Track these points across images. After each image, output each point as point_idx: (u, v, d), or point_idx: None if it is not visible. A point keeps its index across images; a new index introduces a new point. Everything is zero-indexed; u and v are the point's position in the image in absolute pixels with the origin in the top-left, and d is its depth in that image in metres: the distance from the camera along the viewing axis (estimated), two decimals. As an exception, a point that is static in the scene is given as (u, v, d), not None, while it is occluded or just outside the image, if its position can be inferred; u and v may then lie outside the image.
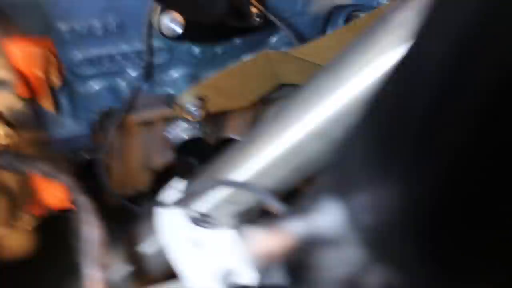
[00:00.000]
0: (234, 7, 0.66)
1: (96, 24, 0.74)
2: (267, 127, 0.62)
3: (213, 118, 0.91)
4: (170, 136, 1.02)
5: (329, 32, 0.98)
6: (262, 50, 0.91)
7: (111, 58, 0.78)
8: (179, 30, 0.74)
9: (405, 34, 0.47)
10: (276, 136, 0.58)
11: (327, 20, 0.94)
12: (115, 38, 0.76)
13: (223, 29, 0.77)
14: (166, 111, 0.87)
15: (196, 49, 0.83)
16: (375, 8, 0.89)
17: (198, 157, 0.99)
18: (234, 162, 0.66)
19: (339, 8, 0.93)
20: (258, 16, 0.81)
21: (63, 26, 0.72)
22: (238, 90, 0.86)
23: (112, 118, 0.83)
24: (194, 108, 0.82)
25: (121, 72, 0.81)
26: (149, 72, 0.82)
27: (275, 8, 0.85)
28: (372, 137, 0.33)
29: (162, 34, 0.75)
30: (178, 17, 0.72)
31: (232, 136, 1.14)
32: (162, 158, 1.06)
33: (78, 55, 0.77)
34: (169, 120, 0.96)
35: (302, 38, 0.92)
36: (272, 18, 0.81)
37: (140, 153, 1.03)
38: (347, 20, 0.95)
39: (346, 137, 0.39)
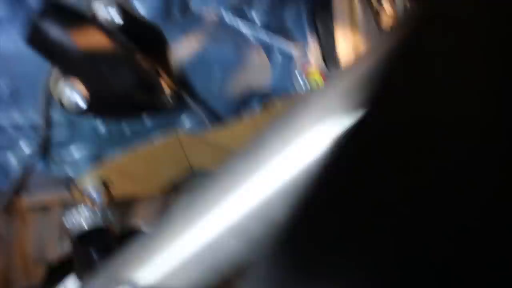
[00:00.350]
0: (143, 81, 0.61)
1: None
2: (177, 219, 0.55)
3: (119, 205, 0.83)
4: (67, 223, 0.91)
5: (245, 115, 0.95)
6: (174, 131, 0.86)
7: (1, 129, 0.70)
8: (82, 104, 0.68)
9: (327, 116, 0.44)
10: (187, 230, 0.51)
11: (243, 103, 0.91)
12: (7, 107, 0.68)
13: (132, 105, 0.71)
14: (63, 195, 0.78)
15: (101, 126, 0.76)
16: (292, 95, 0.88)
17: (99, 250, 0.88)
18: (139, 259, 0.57)
19: (255, 92, 0.91)
20: (170, 94, 0.77)
21: None
22: (146, 174, 0.79)
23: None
24: (95, 194, 0.74)
25: (12, 147, 0.71)
26: (45, 149, 0.73)
27: (190, 87, 0.82)
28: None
29: (63, 106, 0.68)
30: (82, 88, 0.66)
31: (140, 225, 1.05)
32: (57, 249, 0.95)
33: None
34: (67, 206, 0.86)
35: (217, 120, 0.89)
36: (185, 97, 0.77)
37: (31, 243, 0.92)
38: (264, 104, 0.94)
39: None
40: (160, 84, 0.71)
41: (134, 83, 0.60)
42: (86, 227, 0.91)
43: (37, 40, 0.50)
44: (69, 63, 0.55)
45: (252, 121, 0.78)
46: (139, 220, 1.06)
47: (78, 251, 0.89)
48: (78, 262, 0.89)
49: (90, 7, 0.66)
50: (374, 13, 1.10)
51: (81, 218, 0.90)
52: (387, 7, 1.53)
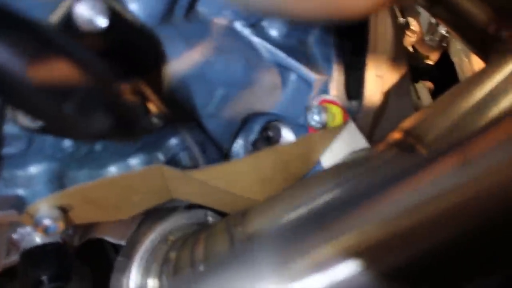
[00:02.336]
0: (120, 119, 0.47)
1: None
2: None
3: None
4: (17, 237, 0.78)
5: (241, 138, 0.82)
6: (155, 151, 0.72)
7: None
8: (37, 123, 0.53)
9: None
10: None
11: (242, 125, 0.78)
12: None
13: (104, 136, 0.56)
14: (12, 217, 0.63)
15: (66, 141, 0.62)
16: (300, 126, 0.74)
17: (52, 267, 0.75)
18: None
19: (257, 115, 0.77)
20: (157, 116, 0.62)
21: None
22: (116, 203, 0.65)
23: None
24: (49, 222, 0.60)
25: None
26: (-6, 164, 0.59)
27: (182, 108, 0.67)
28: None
29: (18, 123, 0.53)
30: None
31: (102, 237, 0.92)
32: (3, 260, 0.82)
33: None
34: (16, 224, 0.72)
35: (210, 142, 0.75)
36: (174, 120, 0.63)
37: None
38: (264, 129, 0.80)
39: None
40: (143, 110, 0.56)
41: (107, 124, 0.45)
42: (38, 242, 0.78)
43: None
44: (21, 101, 0.40)
45: (249, 163, 0.64)
46: (103, 231, 0.92)
47: (25, 269, 0.76)
48: (23, 281, 0.76)
49: (63, 8, 0.50)
50: (399, 30, 0.96)
51: (33, 233, 0.77)
52: (412, 22, 1.40)
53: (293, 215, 0.58)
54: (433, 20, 1.45)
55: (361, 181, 0.40)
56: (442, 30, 1.46)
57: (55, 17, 0.53)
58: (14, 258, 0.81)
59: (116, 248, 0.97)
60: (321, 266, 0.37)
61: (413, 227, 0.34)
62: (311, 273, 0.38)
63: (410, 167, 0.36)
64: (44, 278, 0.74)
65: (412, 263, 0.33)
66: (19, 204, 0.63)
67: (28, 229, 0.76)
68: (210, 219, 0.75)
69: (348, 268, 0.37)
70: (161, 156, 0.71)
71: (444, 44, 1.47)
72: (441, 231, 0.33)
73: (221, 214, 0.76)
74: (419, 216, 0.34)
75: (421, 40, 1.43)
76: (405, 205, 0.34)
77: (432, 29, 1.48)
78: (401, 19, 1.34)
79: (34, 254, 0.75)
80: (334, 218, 0.37)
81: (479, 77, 0.73)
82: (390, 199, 0.36)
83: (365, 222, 0.35)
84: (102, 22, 0.53)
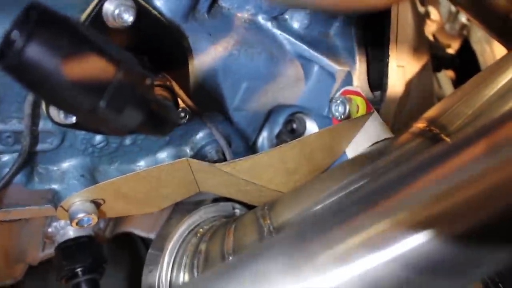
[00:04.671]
0: (150, 115, 0.48)
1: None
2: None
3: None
4: (52, 231, 0.81)
5: (266, 131, 0.83)
6: (183, 145, 0.74)
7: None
8: (72, 118, 0.55)
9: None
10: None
11: (266, 118, 0.79)
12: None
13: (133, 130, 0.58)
14: (47, 211, 0.65)
15: (96, 136, 0.64)
16: (324, 117, 0.75)
17: (85, 260, 0.77)
18: None
19: (281, 107, 0.78)
20: (185, 110, 0.64)
21: None
22: (146, 197, 0.67)
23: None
24: (83, 216, 0.62)
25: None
26: (28, 160, 0.61)
27: (208, 102, 0.68)
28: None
29: (50, 117, 0.55)
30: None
31: (132, 230, 0.94)
32: (39, 253, 0.85)
33: None
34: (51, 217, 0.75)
35: (235, 135, 0.76)
36: (201, 115, 0.64)
37: (11, 244, 0.81)
38: (288, 121, 0.81)
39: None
40: (172, 105, 0.57)
41: (139, 119, 0.46)
42: (71, 236, 0.80)
43: (11, 61, 0.36)
44: (56, 96, 0.41)
45: (276, 155, 0.65)
46: (133, 224, 0.95)
47: (60, 260, 0.78)
48: (60, 269, 0.78)
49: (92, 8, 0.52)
50: (419, 19, 0.96)
51: (67, 226, 0.79)
52: (432, 11, 1.39)
53: (322, 206, 0.59)
54: (453, 9, 1.43)
55: (391, 171, 0.41)
56: (462, 18, 1.45)
57: (84, 15, 0.55)
58: (49, 251, 0.84)
59: (145, 241, 0.99)
60: (352, 257, 0.38)
61: (443, 212, 0.34)
62: (339, 265, 0.38)
63: (438, 155, 0.37)
64: (79, 270, 0.76)
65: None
66: (54, 199, 0.65)
67: (62, 223, 0.79)
68: (237, 211, 0.77)
69: (376, 259, 0.38)
70: (188, 150, 0.73)
71: (465, 33, 1.46)
72: (472, 216, 0.34)
73: (248, 206, 0.77)
74: (447, 203, 0.34)
75: (441, 29, 1.42)
76: (435, 193, 0.35)
77: (452, 17, 1.46)
78: (421, 8, 1.33)
79: (68, 247, 0.78)
80: (366, 208, 0.38)
81: (502, 64, 0.73)
82: (420, 188, 0.36)
83: (397, 210, 0.36)
84: (129, 18, 0.54)
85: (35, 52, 0.36)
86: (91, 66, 0.39)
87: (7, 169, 0.60)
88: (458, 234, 0.34)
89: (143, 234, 0.91)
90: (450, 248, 0.34)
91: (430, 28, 1.36)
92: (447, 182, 0.35)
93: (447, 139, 0.64)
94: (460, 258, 0.36)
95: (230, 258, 0.64)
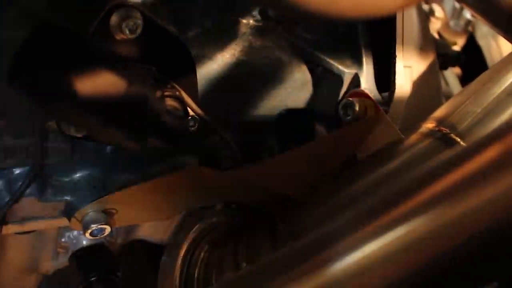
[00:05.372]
0: (160, 126, 0.48)
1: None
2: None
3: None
4: (65, 241, 0.81)
5: (275, 135, 0.82)
6: (192, 152, 0.74)
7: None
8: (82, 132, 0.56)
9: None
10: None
11: (275, 122, 0.79)
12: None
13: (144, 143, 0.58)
14: (61, 222, 0.66)
15: (106, 147, 0.64)
16: (333, 120, 0.75)
17: (99, 269, 0.78)
18: None
19: (289, 111, 0.78)
20: (193, 119, 0.64)
21: None
22: (158, 205, 0.67)
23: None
24: (96, 226, 0.62)
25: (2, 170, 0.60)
26: (40, 173, 0.61)
27: (217, 108, 0.69)
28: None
29: (62, 132, 0.55)
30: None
31: (143, 238, 0.95)
32: (52, 263, 0.85)
33: None
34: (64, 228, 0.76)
35: (246, 140, 0.76)
36: (212, 123, 0.64)
37: (23, 256, 0.82)
38: (297, 125, 0.81)
39: None
40: (182, 114, 0.58)
41: (146, 132, 0.46)
42: (84, 244, 0.81)
43: (22, 80, 0.37)
44: (67, 113, 0.42)
45: (292, 159, 0.65)
46: (144, 231, 0.95)
47: (74, 267, 0.79)
48: (75, 278, 0.79)
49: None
50: (424, 18, 0.95)
51: (80, 235, 0.80)
52: (436, 9, 1.38)
53: (334, 211, 0.59)
54: (457, 5, 1.43)
55: (404, 175, 0.41)
56: (467, 14, 1.44)
57: (91, 28, 0.55)
58: (63, 260, 0.85)
59: (157, 248, 0.99)
60: (366, 262, 0.38)
61: (463, 216, 0.34)
62: (357, 273, 0.38)
63: (452, 159, 0.37)
64: (94, 279, 0.77)
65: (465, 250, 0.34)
66: (67, 210, 0.66)
67: (75, 233, 0.80)
68: (249, 217, 0.77)
69: (392, 265, 0.38)
70: (199, 157, 0.73)
71: (470, 29, 1.45)
72: (494, 216, 0.34)
73: (260, 212, 0.77)
74: (465, 207, 0.34)
75: (446, 26, 1.41)
76: (452, 197, 0.35)
77: (456, 14, 1.46)
78: (425, 6, 1.33)
79: (82, 257, 0.78)
80: (381, 212, 0.38)
81: (509, 62, 0.73)
82: (438, 193, 0.36)
83: (414, 215, 0.36)
84: (137, 30, 0.54)
85: (45, 72, 0.36)
86: (102, 82, 0.39)
87: (20, 183, 0.60)
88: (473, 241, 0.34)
89: (154, 241, 0.91)
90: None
91: (435, 26, 1.36)
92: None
93: (457, 139, 0.64)
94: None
95: (244, 264, 0.64)
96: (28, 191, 0.61)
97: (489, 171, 0.34)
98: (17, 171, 0.61)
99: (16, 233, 0.67)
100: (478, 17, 0.84)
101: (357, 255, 0.37)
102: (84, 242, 0.81)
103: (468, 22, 1.44)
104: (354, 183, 0.62)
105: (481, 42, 1.40)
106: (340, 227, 0.41)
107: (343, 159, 0.72)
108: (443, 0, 1.44)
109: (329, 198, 0.62)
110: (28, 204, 0.63)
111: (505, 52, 1.31)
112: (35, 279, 0.89)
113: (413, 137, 0.66)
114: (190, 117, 0.63)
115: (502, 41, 1.37)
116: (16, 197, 0.61)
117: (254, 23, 0.69)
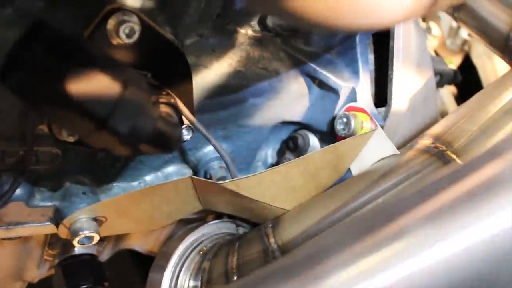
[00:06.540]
0: (154, 133, 0.47)
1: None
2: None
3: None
4: (52, 248, 0.80)
5: (269, 147, 0.82)
6: (187, 161, 0.73)
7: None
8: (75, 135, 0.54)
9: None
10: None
11: (270, 134, 0.78)
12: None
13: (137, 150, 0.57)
14: (48, 229, 0.65)
15: (99, 154, 0.63)
16: (328, 134, 0.74)
17: (88, 278, 0.76)
18: None
19: (284, 123, 0.78)
20: (187, 128, 0.63)
21: None
22: (149, 214, 0.66)
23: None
24: (84, 234, 0.61)
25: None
26: (29, 177, 0.60)
27: (212, 118, 0.68)
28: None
29: (53, 136, 0.54)
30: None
31: (133, 247, 0.93)
32: (38, 271, 0.84)
33: None
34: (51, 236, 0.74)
35: (239, 151, 0.76)
36: (205, 132, 0.63)
37: (9, 262, 0.80)
38: (292, 138, 0.80)
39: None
40: (177, 122, 0.57)
41: (143, 139, 0.46)
42: (72, 253, 0.80)
43: (15, 79, 0.36)
44: (60, 115, 0.41)
45: (282, 172, 0.64)
46: (134, 241, 0.94)
47: (62, 283, 0.77)
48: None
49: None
50: (421, 35, 0.96)
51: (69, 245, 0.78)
52: (433, 27, 1.39)
53: (327, 225, 0.58)
54: (454, 24, 1.44)
55: (400, 190, 0.40)
56: (464, 33, 1.45)
57: (88, 31, 0.55)
58: (49, 269, 0.83)
59: (147, 258, 0.98)
60: (360, 278, 0.37)
61: (458, 234, 0.34)
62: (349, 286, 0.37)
63: (447, 176, 0.36)
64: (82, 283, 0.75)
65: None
66: (55, 216, 0.64)
67: (63, 240, 0.78)
68: (241, 229, 0.76)
69: (387, 281, 0.37)
70: (192, 167, 0.72)
71: (466, 48, 1.46)
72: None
73: (252, 223, 0.76)
74: (461, 224, 0.34)
75: (442, 44, 1.42)
76: (448, 214, 0.34)
77: (453, 33, 1.47)
78: (423, 24, 1.33)
79: (70, 266, 0.77)
80: (375, 228, 0.37)
81: (505, 80, 0.73)
82: (434, 209, 0.36)
83: (408, 231, 0.36)
84: (134, 35, 0.54)
85: (40, 71, 0.36)
86: (97, 84, 0.38)
87: (7, 187, 0.59)
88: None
89: (144, 251, 0.90)
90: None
91: (431, 44, 1.37)
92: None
93: (453, 156, 0.63)
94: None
95: (234, 277, 0.63)
96: (15, 195, 0.60)
97: (485, 189, 0.34)
98: (5, 175, 0.60)
99: (2, 239, 0.65)
100: (475, 36, 0.84)
101: (350, 271, 0.36)
102: (72, 251, 0.80)
103: (465, 42, 1.45)
104: (348, 198, 0.62)
105: (477, 61, 1.41)
106: (333, 242, 0.40)
107: (339, 174, 0.72)
108: (440, 18, 1.45)
109: (322, 213, 0.62)
110: (15, 209, 0.62)
111: (501, 72, 1.31)
112: (20, 286, 0.87)
113: (409, 153, 0.66)
114: (184, 125, 0.62)
115: (498, 61, 1.37)
116: (3, 202, 0.59)
117: (253, 33, 0.69)
